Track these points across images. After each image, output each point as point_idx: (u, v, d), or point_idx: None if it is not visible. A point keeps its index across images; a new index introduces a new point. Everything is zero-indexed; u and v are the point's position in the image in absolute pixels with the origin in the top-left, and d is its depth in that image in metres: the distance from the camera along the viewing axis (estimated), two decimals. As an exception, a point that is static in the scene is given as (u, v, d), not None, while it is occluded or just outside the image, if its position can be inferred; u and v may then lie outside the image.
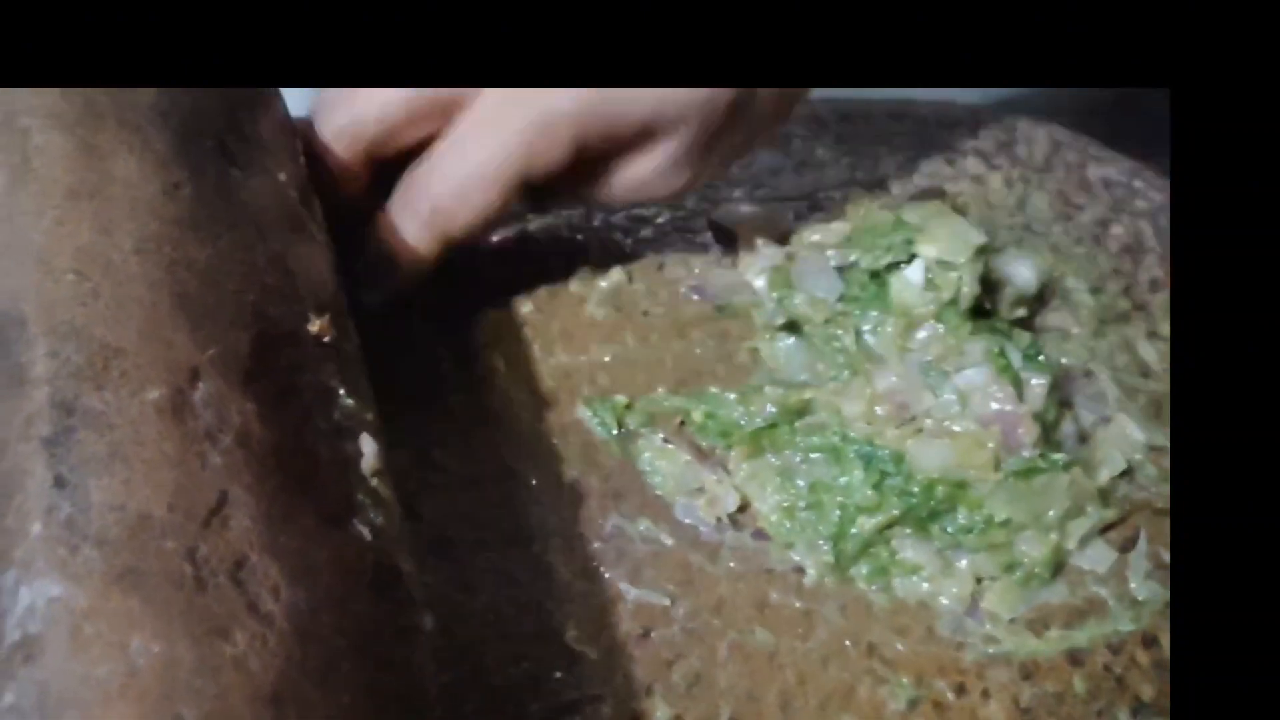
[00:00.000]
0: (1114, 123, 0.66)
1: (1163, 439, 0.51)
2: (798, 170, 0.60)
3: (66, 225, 0.35)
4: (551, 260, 0.55)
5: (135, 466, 0.31)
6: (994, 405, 0.48)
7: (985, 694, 0.46)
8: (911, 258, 0.50)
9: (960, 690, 0.46)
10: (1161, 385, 0.53)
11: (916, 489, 0.47)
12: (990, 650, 0.46)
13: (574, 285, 0.54)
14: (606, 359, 0.52)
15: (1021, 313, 0.51)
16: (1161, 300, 0.56)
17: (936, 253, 0.49)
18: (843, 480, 0.48)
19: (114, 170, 0.37)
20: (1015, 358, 0.49)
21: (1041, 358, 0.50)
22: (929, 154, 0.60)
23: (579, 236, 0.57)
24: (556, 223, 0.57)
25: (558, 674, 0.44)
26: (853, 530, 0.47)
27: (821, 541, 0.47)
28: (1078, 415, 0.51)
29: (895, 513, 0.47)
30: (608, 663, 0.45)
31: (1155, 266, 0.57)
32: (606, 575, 0.47)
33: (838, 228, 0.53)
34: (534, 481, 0.49)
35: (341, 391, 0.38)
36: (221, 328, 0.36)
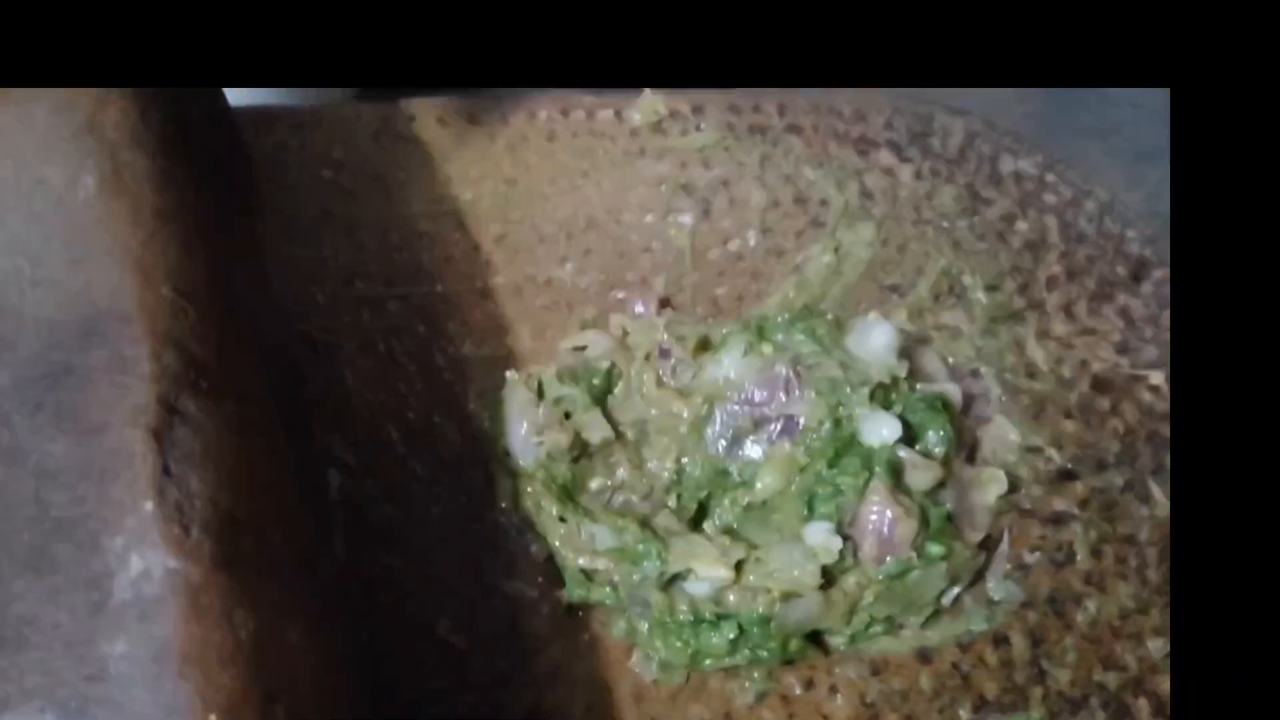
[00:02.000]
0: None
1: (1039, 440, 0.53)
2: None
3: (158, 242, 0.41)
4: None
5: (221, 468, 0.37)
6: (870, 517, 0.48)
7: (833, 689, 0.48)
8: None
9: (809, 685, 0.49)
10: (1047, 385, 0.55)
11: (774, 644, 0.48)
12: (843, 646, 0.49)
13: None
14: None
15: (887, 380, 0.50)
16: (1057, 299, 0.57)
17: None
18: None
19: (186, 199, 0.43)
20: (884, 457, 0.48)
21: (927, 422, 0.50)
22: (843, 144, 0.61)
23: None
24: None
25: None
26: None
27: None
28: (964, 425, 0.52)
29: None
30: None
31: (1055, 264, 0.58)
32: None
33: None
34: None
35: None
36: (258, 357, 0.41)
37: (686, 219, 0.59)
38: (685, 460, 0.50)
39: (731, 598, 0.47)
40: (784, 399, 0.50)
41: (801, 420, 0.49)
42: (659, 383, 0.51)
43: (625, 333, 0.54)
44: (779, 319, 0.52)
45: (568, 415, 0.51)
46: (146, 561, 0.34)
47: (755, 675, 0.48)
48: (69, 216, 0.40)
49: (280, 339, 0.48)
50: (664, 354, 0.52)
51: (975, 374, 0.55)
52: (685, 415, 0.51)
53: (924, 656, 0.49)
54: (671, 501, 0.49)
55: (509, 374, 0.52)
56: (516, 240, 0.58)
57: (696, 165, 0.60)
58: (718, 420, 0.50)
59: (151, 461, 0.35)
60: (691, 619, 0.47)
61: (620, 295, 0.57)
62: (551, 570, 0.50)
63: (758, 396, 0.50)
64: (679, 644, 0.47)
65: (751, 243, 0.58)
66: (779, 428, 0.50)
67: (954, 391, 0.52)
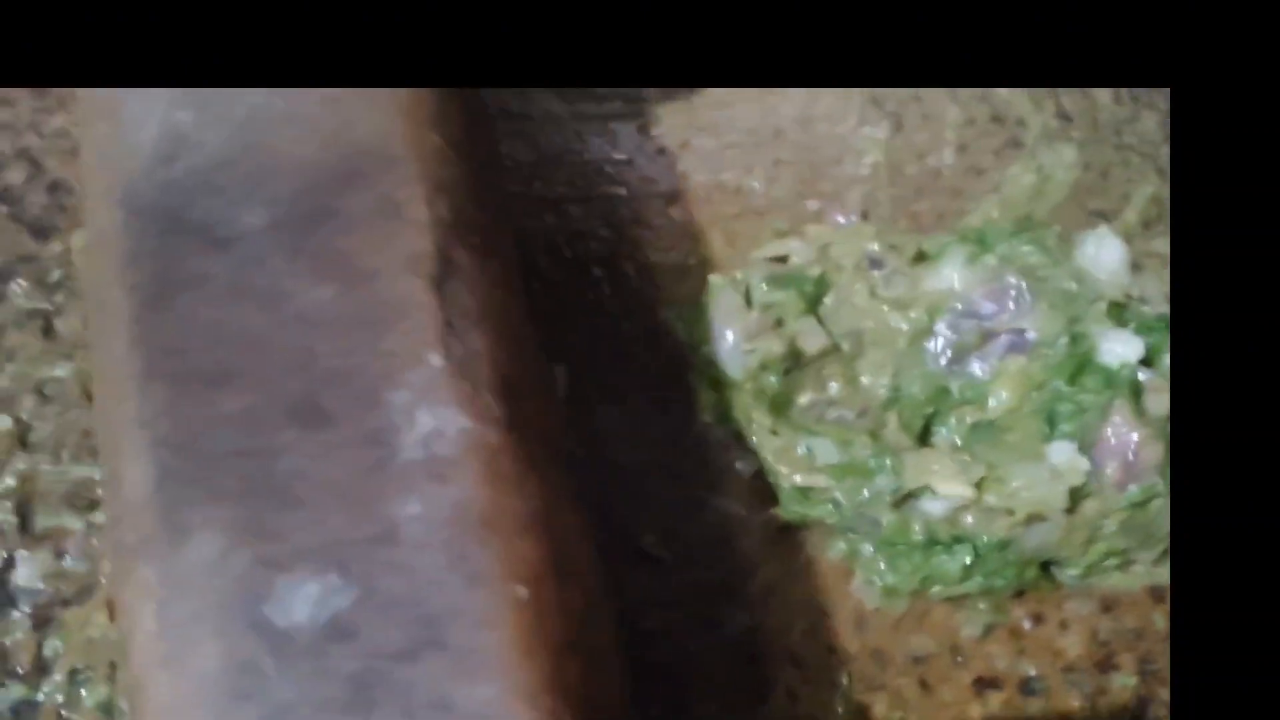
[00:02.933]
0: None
1: None
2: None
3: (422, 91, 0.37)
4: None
5: (496, 327, 0.34)
6: (1109, 436, 0.44)
7: (1064, 625, 0.45)
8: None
9: (1038, 619, 0.45)
10: None
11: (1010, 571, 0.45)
12: (1074, 580, 0.45)
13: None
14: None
15: (1120, 298, 0.47)
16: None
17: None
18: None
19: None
20: (1125, 378, 0.45)
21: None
22: (1036, 64, 0.58)
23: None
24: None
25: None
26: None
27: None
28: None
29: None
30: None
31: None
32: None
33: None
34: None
35: None
36: (497, 214, 0.38)
37: (879, 132, 0.55)
38: (903, 375, 0.47)
39: (969, 519, 0.43)
40: (1014, 311, 0.46)
41: (1032, 335, 0.46)
42: (873, 293, 0.48)
43: (827, 243, 0.50)
44: (1002, 231, 0.49)
45: (779, 323, 0.47)
46: (436, 419, 0.31)
47: (982, 606, 0.45)
48: None
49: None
50: (875, 264, 0.48)
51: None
52: (904, 328, 0.47)
53: (1157, 595, 0.46)
54: (892, 419, 0.46)
55: (712, 277, 0.49)
56: (702, 146, 0.54)
57: (886, 78, 0.56)
58: (939, 334, 0.47)
59: (435, 312, 0.32)
60: (924, 541, 0.43)
61: (814, 206, 0.53)
62: (762, 487, 0.46)
63: (985, 309, 0.47)
64: (907, 568, 0.44)
65: (949, 159, 0.55)
66: (1006, 343, 0.46)
67: (1180, 316, 0.49)
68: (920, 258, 0.49)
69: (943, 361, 0.47)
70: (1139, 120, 0.57)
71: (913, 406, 0.46)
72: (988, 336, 0.46)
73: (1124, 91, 0.57)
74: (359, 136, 0.35)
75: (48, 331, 0.47)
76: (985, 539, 0.43)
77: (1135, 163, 0.55)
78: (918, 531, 0.43)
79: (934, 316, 0.47)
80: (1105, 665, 0.44)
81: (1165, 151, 0.56)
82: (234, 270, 0.33)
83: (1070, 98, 0.57)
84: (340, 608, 0.29)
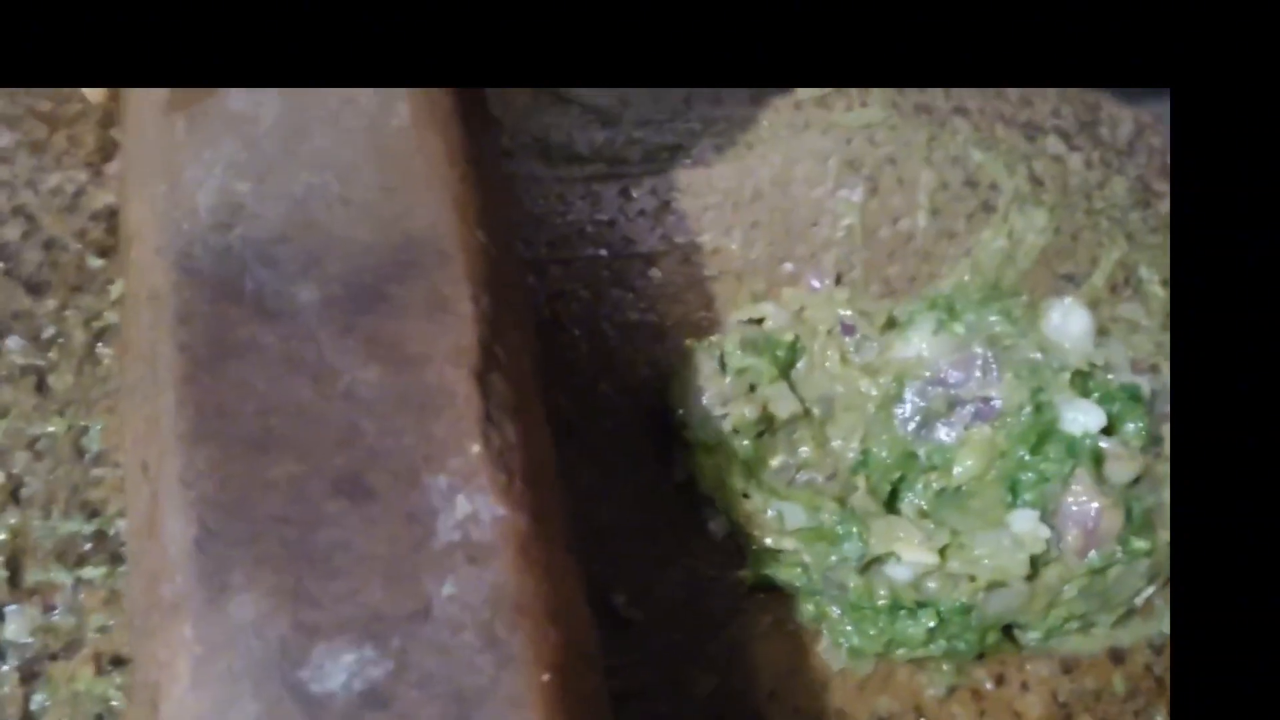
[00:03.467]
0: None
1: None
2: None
3: (469, 183, 0.39)
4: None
5: (526, 419, 0.35)
6: (1074, 508, 0.46)
7: (1024, 686, 0.46)
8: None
9: (999, 680, 0.46)
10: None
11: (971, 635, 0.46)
12: (1034, 642, 0.47)
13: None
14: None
15: (1085, 367, 0.48)
16: (1234, 298, 0.55)
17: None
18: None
19: (482, 142, 0.41)
20: (1087, 447, 0.47)
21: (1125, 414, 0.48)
22: (1010, 127, 0.59)
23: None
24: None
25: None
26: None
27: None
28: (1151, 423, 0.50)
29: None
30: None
31: (1231, 262, 0.56)
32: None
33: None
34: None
35: None
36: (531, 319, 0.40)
37: (855, 195, 0.56)
38: (871, 440, 0.48)
39: (932, 584, 0.45)
40: (980, 380, 0.48)
41: (998, 403, 0.47)
42: (844, 359, 0.49)
43: (801, 307, 0.52)
44: (970, 298, 0.50)
45: (752, 388, 0.49)
46: (474, 505, 0.32)
47: (945, 668, 0.46)
48: (381, 141, 0.38)
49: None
50: (847, 329, 0.50)
51: (1155, 369, 0.53)
52: (873, 394, 0.48)
53: (1116, 656, 0.47)
54: (860, 483, 0.47)
55: (688, 342, 0.50)
56: (681, 207, 0.56)
57: (863, 142, 0.58)
58: (908, 400, 0.48)
59: (476, 403, 0.34)
60: (889, 605, 0.45)
61: (790, 268, 0.54)
62: (731, 548, 0.47)
63: (952, 377, 0.48)
64: (873, 631, 0.45)
65: (921, 223, 0.56)
66: (973, 411, 0.48)
67: (1145, 384, 0.50)
68: (890, 324, 0.50)
69: (910, 427, 0.48)
70: (1109, 185, 0.58)
71: (881, 471, 0.47)
72: (954, 404, 0.48)
73: (1095, 155, 0.59)
74: (413, 226, 0.36)
75: (40, 388, 0.48)
76: (948, 604, 0.44)
77: (1105, 227, 0.57)
78: (883, 596, 0.45)
79: (902, 384, 0.48)
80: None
81: (1134, 216, 0.57)
82: (285, 342, 0.35)
83: (1042, 162, 0.58)
84: (375, 679, 0.30)
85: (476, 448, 0.33)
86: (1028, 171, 0.58)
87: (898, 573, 0.45)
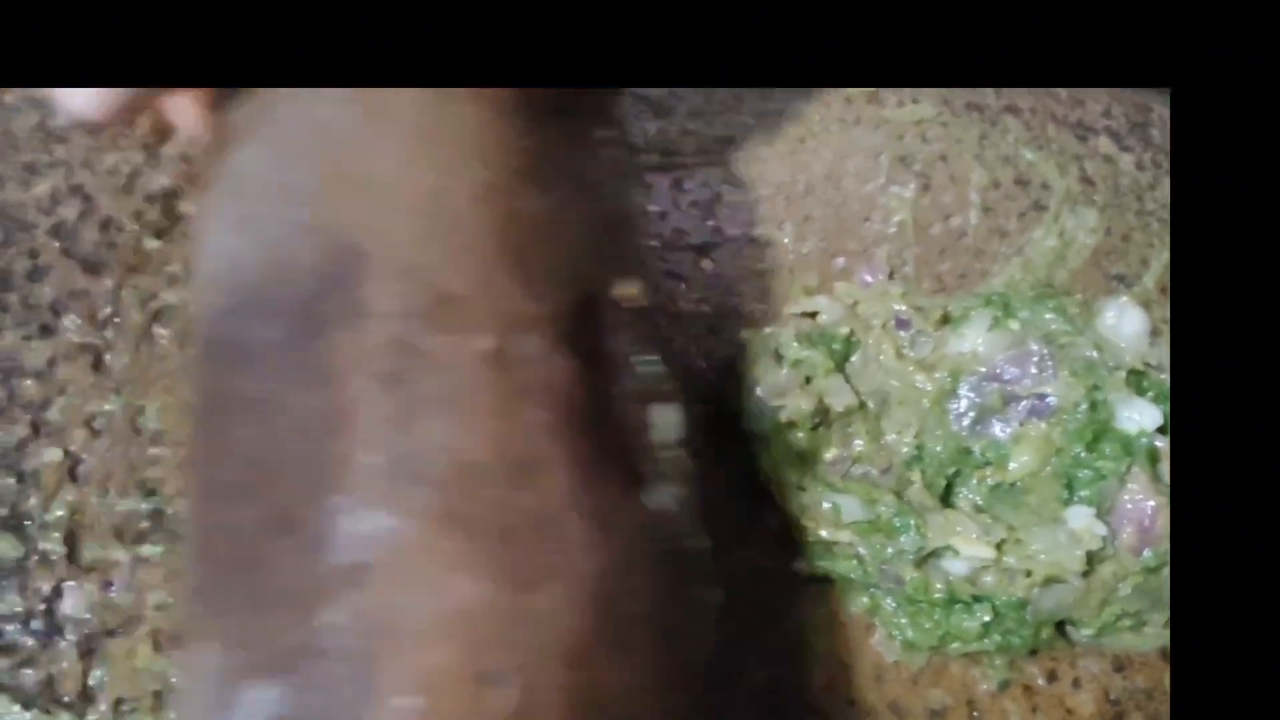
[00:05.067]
0: None
1: None
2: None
3: (414, 166, 0.36)
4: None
5: (463, 413, 0.32)
6: (1126, 502, 0.46)
7: (1076, 682, 0.46)
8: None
9: (1052, 676, 0.46)
10: None
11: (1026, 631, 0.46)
12: (1087, 639, 0.47)
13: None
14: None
15: (1139, 366, 0.49)
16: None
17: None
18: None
19: (462, 114, 0.37)
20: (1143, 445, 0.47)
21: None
22: (1061, 127, 0.59)
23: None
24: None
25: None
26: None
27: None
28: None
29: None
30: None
31: (1281, 265, 0.56)
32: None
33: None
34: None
35: (641, 356, 0.38)
36: (546, 283, 0.36)
37: (907, 192, 0.57)
38: (927, 435, 0.48)
39: (989, 579, 0.45)
40: (1036, 376, 0.48)
41: (1053, 400, 0.47)
42: (899, 354, 0.49)
43: (855, 301, 0.52)
44: (1025, 295, 0.50)
45: (807, 380, 0.49)
46: (364, 523, 0.31)
47: (998, 663, 0.46)
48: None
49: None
50: (902, 324, 0.50)
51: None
52: (928, 389, 0.48)
53: (1168, 656, 0.47)
54: (916, 477, 0.47)
55: (744, 333, 0.50)
56: (734, 200, 0.56)
57: (914, 139, 0.58)
58: (962, 396, 0.48)
59: (377, 411, 0.32)
60: (945, 599, 0.45)
61: (841, 263, 0.54)
62: (786, 540, 0.47)
63: (1008, 374, 0.48)
64: (927, 625, 0.45)
65: (973, 221, 0.56)
66: (1028, 407, 0.48)
67: (1198, 384, 0.50)
68: (945, 320, 0.50)
69: (965, 423, 0.48)
70: (1160, 186, 0.58)
71: (935, 465, 0.47)
72: (1009, 400, 0.48)
73: (1146, 157, 0.59)
74: (345, 236, 0.35)
75: (97, 366, 0.48)
76: (1004, 598, 0.44)
77: (1155, 228, 0.57)
78: (939, 589, 0.45)
79: (958, 379, 0.48)
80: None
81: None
82: (252, 386, 0.34)
83: (1094, 162, 0.58)
84: (274, 718, 0.29)
85: (371, 459, 0.31)
86: (1079, 171, 0.58)
87: (954, 567, 0.45)
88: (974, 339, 0.49)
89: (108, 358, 0.48)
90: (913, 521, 0.45)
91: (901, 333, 0.50)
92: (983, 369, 0.48)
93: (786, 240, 0.55)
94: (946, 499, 0.47)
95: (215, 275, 0.37)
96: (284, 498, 0.32)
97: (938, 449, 0.48)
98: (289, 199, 0.36)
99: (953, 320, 0.50)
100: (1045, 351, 0.48)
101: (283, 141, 0.38)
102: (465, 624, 0.30)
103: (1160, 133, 0.60)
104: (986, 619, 0.45)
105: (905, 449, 0.48)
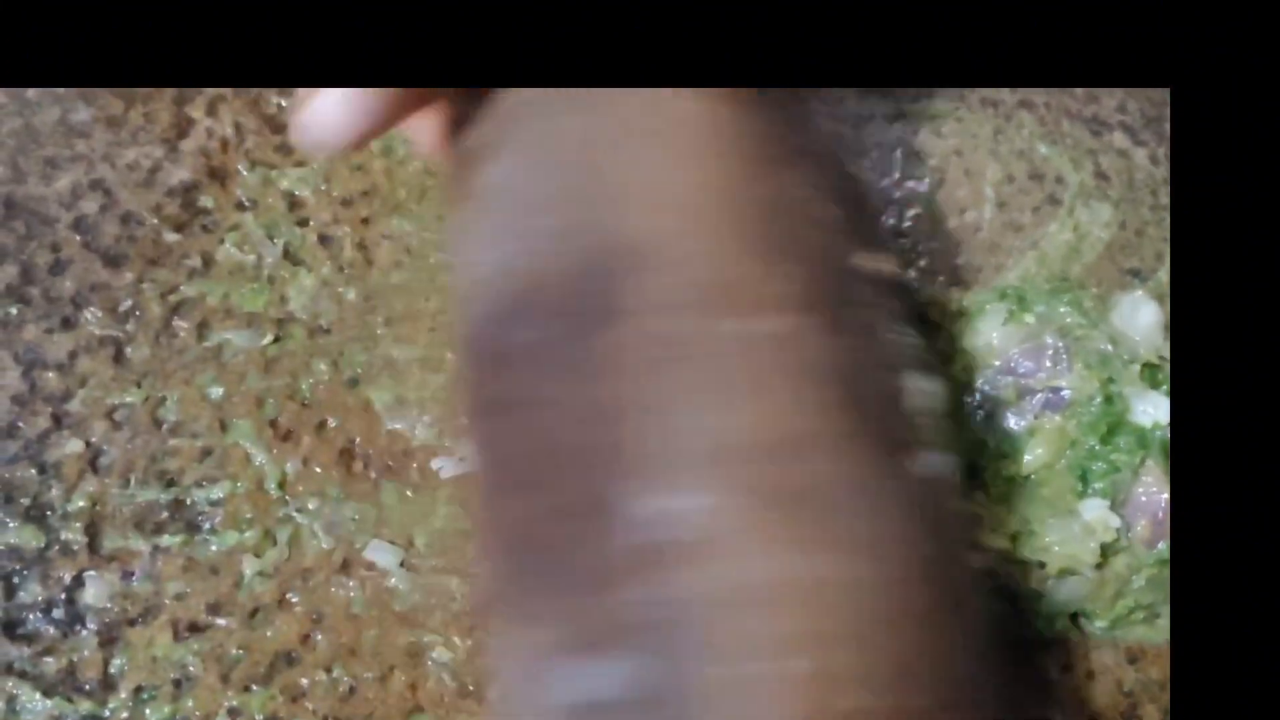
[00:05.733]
0: None
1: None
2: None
3: (655, 164, 0.37)
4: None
5: (724, 394, 0.33)
6: (1140, 495, 0.46)
7: (1090, 674, 0.46)
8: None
9: (1065, 668, 0.47)
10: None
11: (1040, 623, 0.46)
12: (1100, 631, 0.47)
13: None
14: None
15: (1154, 359, 0.49)
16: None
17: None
18: None
19: (686, 109, 0.38)
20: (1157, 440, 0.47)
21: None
22: (1075, 122, 0.59)
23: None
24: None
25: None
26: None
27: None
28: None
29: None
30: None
31: (1296, 260, 0.56)
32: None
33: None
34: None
35: (892, 326, 0.39)
36: (796, 262, 0.36)
37: (922, 186, 0.57)
38: None
39: (1005, 571, 0.45)
40: (1051, 370, 0.48)
41: (1068, 393, 0.48)
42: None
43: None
44: (1041, 289, 0.50)
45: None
46: (667, 503, 0.32)
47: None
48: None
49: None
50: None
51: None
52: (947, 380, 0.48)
53: (1182, 648, 0.47)
54: None
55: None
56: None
57: (929, 133, 0.58)
58: (977, 390, 0.48)
59: (661, 398, 0.33)
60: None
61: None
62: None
63: (1022, 367, 0.48)
64: None
65: (988, 215, 0.56)
66: (1042, 400, 0.48)
67: (1213, 378, 0.50)
68: (960, 313, 0.50)
69: (979, 416, 0.48)
70: (1174, 181, 0.58)
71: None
72: (1024, 393, 0.48)
73: (1161, 151, 0.59)
74: (600, 237, 0.36)
75: (118, 358, 0.49)
76: (1019, 590, 0.45)
77: (1170, 223, 0.57)
78: None
79: (972, 373, 0.48)
80: (1130, 715, 0.46)
81: (1199, 213, 0.57)
82: (521, 387, 0.35)
83: (1108, 157, 0.58)
84: (606, 688, 0.31)
85: (661, 443, 0.32)
86: (1093, 166, 0.58)
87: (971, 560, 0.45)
88: (988, 333, 0.49)
89: (128, 350, 0.49)
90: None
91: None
92: (997, 362, 0.48)
93: (801, 234, 0.55)
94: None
95: (476, 286, 0.38)
96: (568, 489, 0.33)
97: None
98: (542, 207, 0.37)
99: (968, 314, 0.50)
100: (1060, 345, 0.48)
101: (529, 153, 0.39)
102: (791, 591, 0.31)
103: (1175, 127, 0.60)
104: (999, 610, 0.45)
105: None
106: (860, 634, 0.31)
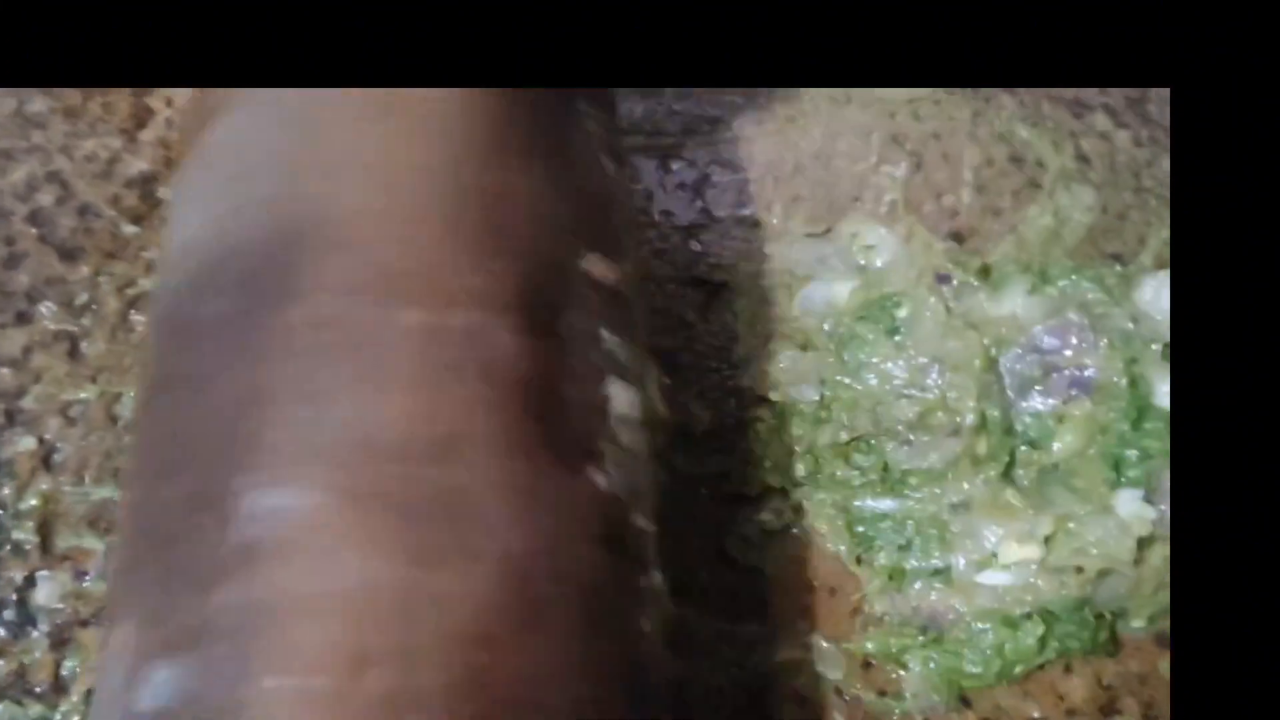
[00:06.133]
0: None
1: None
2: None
3: (366, 139, 0.36)
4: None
5: (377, 387, 0.32)
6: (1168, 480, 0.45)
7: (1068, 669, 0.45)
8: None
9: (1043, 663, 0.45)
10: None
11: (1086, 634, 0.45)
12: (1141, 630, 0.46)
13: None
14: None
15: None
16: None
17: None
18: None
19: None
20: None
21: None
22: (1056, 104, 0.58)
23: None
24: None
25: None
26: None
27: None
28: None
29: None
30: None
31: (1282, 242, 0.55)
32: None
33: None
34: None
35: (605, 334, 0.37)
36: (501, 256, 0.35)
37: (898, 171, 0.55)
38: (984, 400, 0.47)
39: (1040, 583, 0.44)
40: (1076, 347, 0.47)
41: (1093, 373, 0.47)
42: (948, 310, 0.49)
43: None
44: (1065, 264, 0.51)
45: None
46: (262, 501, 0.30)
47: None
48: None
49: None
50: (942, 279, 0.50)
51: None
52: (979, 349, 0.48)
53: (1161, 641, 0.46)
54: (982, 446, 0.46)
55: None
56: (722, 181, 0.55)
57: (906, 117, 0.57)
58: (1004, 368, 0.48)
59: (288, 387, 0.32)
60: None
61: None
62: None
63: (1047, 344, 0.47)
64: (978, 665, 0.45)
65: (966, 199, 0.55)
66: (1069, 379, 0.47)
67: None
68: (985, 273, 0.50)
69: (1008, 395, 0.47)
70: (1158, 163, 0.57)
71: (999, 436, 0.47)
72: (1049, 371, 0.47)
73: (1144, 133, 0.58)
74: (294, 210, 0.34)
75: (74, 354, 0.47)
76: (1059, 601, 0.44)
77: (1153, 205, 0.56)
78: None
79: (1000, 347, 0.48)
80: (1109, 710, 0.44)
81: (1183, 195, 0.56)
82: (196, 364, 0.33)
83: (1090, 139, 0.57)
84: (168, 698, 0.29)
85: (274, 435, 0.31)
86: (1074, 149, 0.57)
87: (999, 580, 0.44)
88: (1012, 302, 0.48)
89: (84, 345, 0.48)
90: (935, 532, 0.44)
91: (944, 286, 0.50)
92: (1022, 339, 0.48)
93: (775, 221, 0.54)
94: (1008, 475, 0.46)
95: (178, 249, 0.37)
96: (200, 477, 0.31)
97: (995, 414, 0.47)
98: (245, 173, 0.36)
99: (991, 281, 0.50)
100: (1084, 322, 0.47)
101: (256, 113, 0.37)
102: (345, 603, 0.29)
103: (1158, 109, 0.59)
104: (1039, 632, 0.44)
105: (970, 416, 0.47)
106: (437, 651, 0.29)
